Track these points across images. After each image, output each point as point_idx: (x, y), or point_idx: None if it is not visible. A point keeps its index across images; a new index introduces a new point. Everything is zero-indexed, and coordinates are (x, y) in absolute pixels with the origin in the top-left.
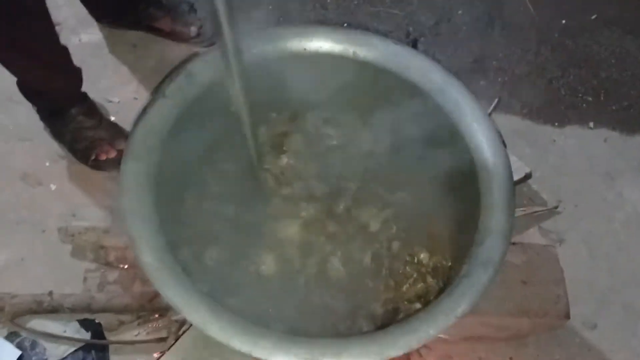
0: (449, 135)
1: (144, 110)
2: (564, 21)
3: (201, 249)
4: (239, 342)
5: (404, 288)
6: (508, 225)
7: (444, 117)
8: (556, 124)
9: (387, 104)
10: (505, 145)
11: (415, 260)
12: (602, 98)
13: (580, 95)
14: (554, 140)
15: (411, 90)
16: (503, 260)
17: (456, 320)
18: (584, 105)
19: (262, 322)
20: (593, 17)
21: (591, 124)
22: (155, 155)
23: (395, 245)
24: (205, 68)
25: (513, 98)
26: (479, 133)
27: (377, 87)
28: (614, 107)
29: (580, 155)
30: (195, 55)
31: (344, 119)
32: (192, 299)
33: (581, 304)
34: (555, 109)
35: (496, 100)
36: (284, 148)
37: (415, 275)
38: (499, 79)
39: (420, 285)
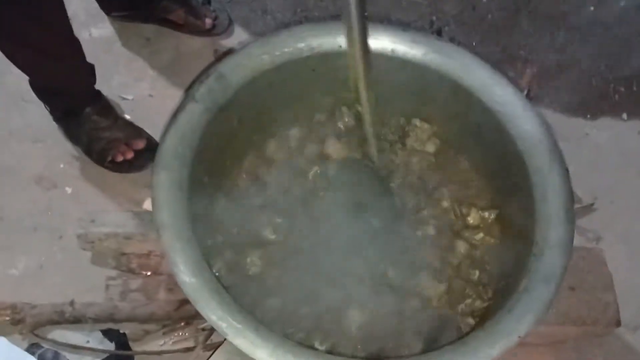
0: (498, 137)
1: (174, 117)
2: (592, 8)
3: (242, 258)
4: None
5: (459, 308)
6: (569, 236)
7: (491, 117)
8: (588, 116)
9: (430, 103)
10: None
11: (477, 277)
12: (634, 88)
13: (612, 85)
14: (587, 134)
15: (454, 89)
16: (564, 275)
17: (519, 341)
18: (617, 95)
19: (303, 336)
20: (622, 4)
21: (625, 116)
22: (188, 164)
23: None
24: (236, 69)
25: (543, 90)
26: (531, 134)
27: (417, 85)
28: None
29: (615, 149)
30: (225, 55)
31: (387, 118)
32: (237, 321)
33: (621, 305)
34: (586, 101)
35: (525, 92)
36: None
37: (474, 296)
38: (528, 70)
39: (477, 302)
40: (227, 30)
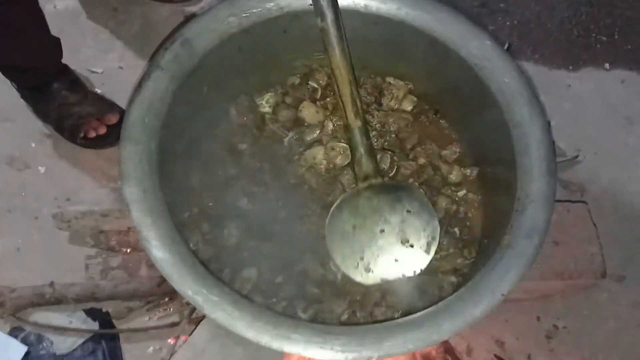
0: (477, 91)
1: (139, 86)
2: None
3: (219, 230)
4: (269, 338)
5: (438, 266)
6: (551, 190)
7: (469, 72)
8: (570, 67)
9: (407, 60)
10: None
11: (458, 235)
12: (616, 37)
13: (593, 35)
14: (569, 85)
15: (431, 44)
16: (548, 229)
17: (502, 299)
18: (598, 45)
19: (286, 305)
20: None
21: (607, 66)
22: (156, 135)
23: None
24: (202, 33)
25: (524, 42)
26: (510, 87)
27: (392, 41)
28: (629, 46)
29: (597, 99)
30: (190, 18)
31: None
32: (213, 294)
33: (606, 257)
34: (568, 52)
35: (506, 45)
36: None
37: (451, 250)
38: (508, 23)
39: (459, 260)
40: None
